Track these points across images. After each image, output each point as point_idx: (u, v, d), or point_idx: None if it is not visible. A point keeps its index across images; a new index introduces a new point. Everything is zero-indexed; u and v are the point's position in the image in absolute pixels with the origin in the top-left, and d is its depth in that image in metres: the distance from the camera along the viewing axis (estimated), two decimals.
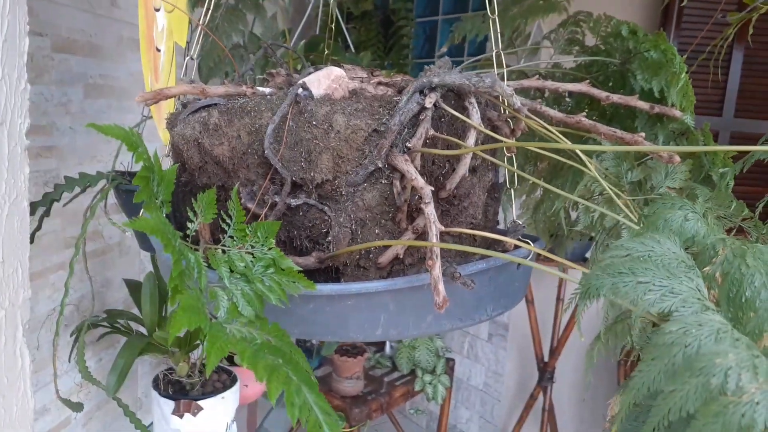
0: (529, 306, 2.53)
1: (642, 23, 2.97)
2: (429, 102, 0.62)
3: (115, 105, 1.64)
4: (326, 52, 0.95)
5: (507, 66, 0.79)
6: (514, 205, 0.81)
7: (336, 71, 0.68)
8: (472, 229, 0.72)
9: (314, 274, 0.65)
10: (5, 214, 0.99)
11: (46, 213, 1.18)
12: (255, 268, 0.50)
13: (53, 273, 1.43)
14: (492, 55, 0.74)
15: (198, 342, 1.43)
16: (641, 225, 0.55)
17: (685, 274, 0.37)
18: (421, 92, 0.63)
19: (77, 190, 1.21)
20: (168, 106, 1.04)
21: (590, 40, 1.05)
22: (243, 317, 0.46)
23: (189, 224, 0.52)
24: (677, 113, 0.80)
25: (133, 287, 1.51)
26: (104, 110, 1.60)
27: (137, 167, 1.39)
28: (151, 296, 1.38)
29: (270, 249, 0.51)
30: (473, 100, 0.65)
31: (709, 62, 1.46)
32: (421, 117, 0.63)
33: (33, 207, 1.20)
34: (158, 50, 1.01)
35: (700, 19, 2.39)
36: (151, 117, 1.22)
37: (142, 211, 0.74)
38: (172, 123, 0.70)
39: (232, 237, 0.52)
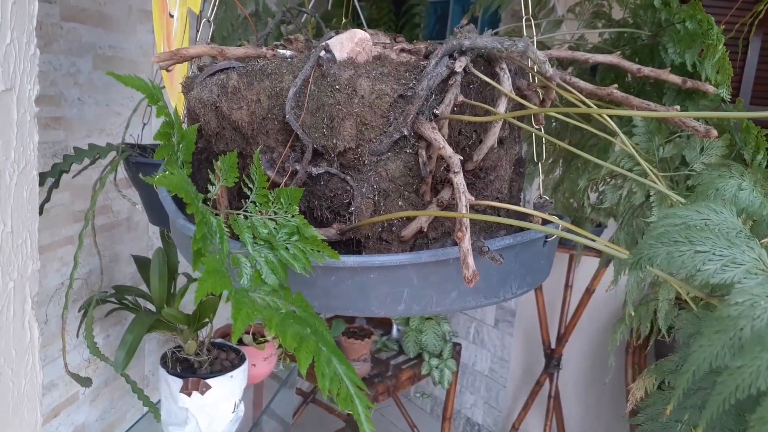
0: (537, 292, 2.51)
1: None
2: (459, 66, 0.59)
3: None
4: (344, 20, 0.92)
5: (528, 36, 0.76)
6: (533, 185, 0.78)
7: (360, 33, 0.65)
8: (497, 203, 0.69)
9: (334, 247, 0.62)
10: (14, 182, 0.96)
11: (55, 184, 1.16)
12: (278, 235, 0.48)
13: (61, 247, 1.41)
14: (522, 24, 0.71)
15: (207, 320, 1.41)
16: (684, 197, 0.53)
17: (746, 244, 0.35)
18: (451, 56, 0.60)
19: (86, 161, 1.19)
20: (181, 73, 1.01)
21: (617, 14, 1.01)
22: (267, 285, 0.43)
23: (210, 187, 0.50)
24: (710, 88, 0.77)
25: (142, 263, 1.49)
26: (113, 82, 1.57)
27: (147, 140, 1.37)
28: (159, 273, 1.36)
29: (293, 216, 0.49)
30: (504, 65, 0.62)
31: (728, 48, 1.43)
32: (450, 82, 0.60)
33: (42, 178, 1.18)
34: (171, 16, 0.98)
35: (719, 3, 2.34)
36: (164, 87, 1.19)
37: (160, 170, 0.71)
38: (188, 86, 0.67)
39: (254, 203, 0.49)
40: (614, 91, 0.70)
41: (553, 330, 2.58)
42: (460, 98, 0.59)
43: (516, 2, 1.17)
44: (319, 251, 0.47)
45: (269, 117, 0.62)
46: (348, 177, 0.62)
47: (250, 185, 0.51)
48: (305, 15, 1.06)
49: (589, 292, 2.42)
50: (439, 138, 0.58)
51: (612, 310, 2.60)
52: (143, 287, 1.51)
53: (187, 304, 1.52)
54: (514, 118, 0.62)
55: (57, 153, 1.37)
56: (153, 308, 1.45)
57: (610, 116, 0.77)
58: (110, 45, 1.55)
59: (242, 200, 0.59)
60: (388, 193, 0.62)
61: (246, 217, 0.49)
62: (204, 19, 0.72)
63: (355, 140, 0.61)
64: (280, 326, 0.36)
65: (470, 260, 0.50)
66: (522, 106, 0.67)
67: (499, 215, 0.72)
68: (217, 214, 0.47)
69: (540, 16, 1.07)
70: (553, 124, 1.01)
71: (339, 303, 0.58)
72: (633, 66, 0.75)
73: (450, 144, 0.64)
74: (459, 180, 0.54)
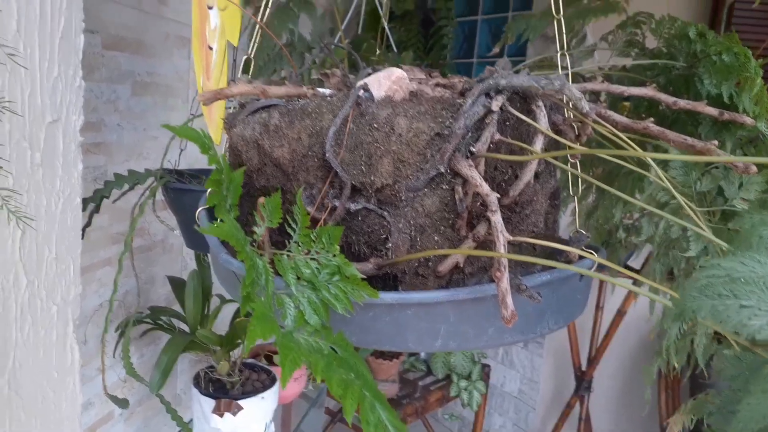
0: None
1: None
2: (496, 105, 0.60)
3: (160, 102, 1.66)
4: (377, 52, 0.94)
5: (563, 68, 0.76)
6: (567, 211, 0.78)
7: (397, 72, 0.67)
8: (533, 237, 0.69)
9: (371, 281, 0.63)
10: (59, 210, 1.00)
11: (96, 209, 1.20)
12: (321, 275, 0.49)
13: (100, 268, 1.45)
14: (556, 57, 0.72)
15: (239, 341, 1.43)
16: (725, 239, 0.52)
17: None
18: (487, 95, 0.61)
19: (126, 187, 1.22)
20: (220, 105, 1.04)
21: (650, 42, 1.01)
22: (310, 326, 0.44)
23: (255, 228, 0.51)
24: (748, 120, 0.76)
25: (177, 284, 1.52)
26: (150, 107, 1.62)
27: (183, 165, 1.40)
28: (194, 294, 1.39)
29: (334, 255, 0.50)
30: (540, 103, 0.63)
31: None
32: (486, 120, 0.61)
33: (84, 204, 1.22)
34: (210, 48, 1.01)
35: (753, 27, 2.31)
36: (201, 115, 1.22)
37: (199, 210, 0.73)
38: (230, 123, 0.69)
39: (297, 243, 0.51)
40: (650, 125, 0.70)
41: (583, 352, 2.54)
42: (497, 136, 0.60)
43: (548, 29, 1.17)
44: (359, 291, 0.48)
45: (309, 154, 0.63)
46: (385, 212, 0.63)
47: (293, 225, 0.52)
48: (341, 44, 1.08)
49: (620, 313, 2.38)
50: (476, 176, 0.59)
51: (644, 332, 2.56)
52: (177, 307, 1.54)
53: (220, 324, 1.55)
54: (549, 169, 0.62)
55: (97, 178, 1.41)
56: (187, 328, 1.48)
57: (646, 149, 0.77)
58: (147, 71, 1.60)
59: (282, 234, 0.60)
60: (424, 229, 0.63)
61: (289, 257, 0.50)
62: (245, 56, 0.74)
63: (392, 177, 0.62)
64: (326, 372, 0.37)
65: (509, 300, 0.50)
66: (558, 142, 0.67)
67: (535, 249, 0.73)
68: (261, 254, 0.48)
69: (572, 44, 1.07)
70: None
71: (376, 338, 0.59)
72: (669, 99, 0.75)
73: (486, 179, 0.65)
74: (497, 219, 0.55)
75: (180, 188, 1.19)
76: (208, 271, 1.47)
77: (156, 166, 1.47)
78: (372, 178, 0.62)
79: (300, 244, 0.51)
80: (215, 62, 1.01)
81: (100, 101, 1.43)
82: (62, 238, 1.01)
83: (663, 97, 0.76)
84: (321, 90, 0.67)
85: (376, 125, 0.62)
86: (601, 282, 2.55)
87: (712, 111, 0.75)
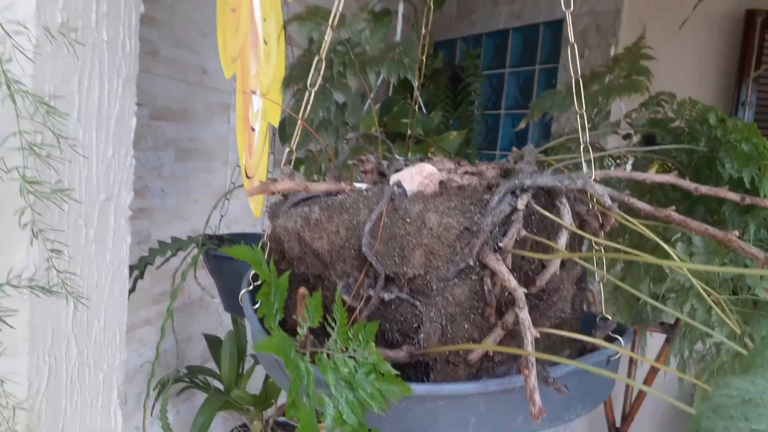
0: None
1: (716, 97, 2.93)
2: (521, 204, 0.64)
3: (202, 167, 1.74)
4: (408, 133, 0.99)
5: (586, 142, 0.80)
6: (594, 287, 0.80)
7: (428, 168, 0.71)
8: (559, 322, 0.72)
9: (403, 367, 0.67)
10: (108, 281, 1.06)
11: (140, 275, 1.26)
12: (358, 374, 0.53)
13: (140, 328, 1.51)
14: (580, 145, 0.76)
15: (272, 401, 1.46)
16: (744, 342, 0.54)
17: None
18: (513, 193, 0.65)
19: (169, 253, 1.29)
20: (259, 197, 1.10)
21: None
22: (348, 425, 0.48)
23: (298, 329, 0.56)
24: None
25: (212, 342, 1.57)
26: (192, 172, 1.70)
27: (224, 230, 1.46)
28: (230, 355, 1.43)
29: (370, 354, 0.54)
30: (564, 199, 0.66)
31: None
32: (512, 217, 0.65)
33: (129, 270, 1.28)
34: (253, 130, 1.08)
35: None
36: (241, 185, 1.28)
37: (242, 293, 0.78)
38: (274, 214, 0.74)
39: (336, 341, 0.55)
40: (671, 213, 0.73)
41: (617, 408, 2.49)
42: (523, 233, 0.63)
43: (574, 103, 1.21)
44: (394, 388, 0.52)
45: (346, 246, 0.68)
46: (417, 302, 0.66)
47: (332, 322, 0.56)
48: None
49: (654, 370, 2.34)
50: (503, 270, 0.62)
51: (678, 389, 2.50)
52: (212, 364, 1.58)
53: (253, 382, 1.58)
54: (574, 251, 0.66)
55: (141, 241, 1.49)
56: (221, 386, 1.52)
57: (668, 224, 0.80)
58: (190, 138, 1.69)
59: (314, 334, 0.64)
60: (454, 317, 0.67)
61: (329, 356, 0.54)
62: (287, 148, 0.80)
63: (424, 268, 0.66)
64: None
65: (536, 397, 0.53)
66: (583, 227, 0.71)
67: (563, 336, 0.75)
68: (303, 353, 0.52)
69: (596, 119, 1.11)
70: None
71: (407, 427, 0.62)
72: (691, 185, 0.78)
73: (514, 268, 0.68)
74: (524, 315, 0.58)
75: (220, 256, 1.25)
76: (244, 330, 1.52)
77: (196, 227, 1.54)
78: (405, 269, 0.66)
79: (338, 341, 0.55)
80: (257, 142, 1.08)
81: (146, 169, 1.51)
82: (110, 308, 1.06)
83: (684, 183, 0.79)
84: (358, 185, 0.72)
85: (408, 220, 0.66)
86: (635, 335, 2.52)
87: (734, 196, 0.78)
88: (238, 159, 1.96)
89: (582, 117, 0.73)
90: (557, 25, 3.48)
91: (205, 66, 1.70)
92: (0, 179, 0.77)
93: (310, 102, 0.78)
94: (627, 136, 1.15)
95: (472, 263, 0.65)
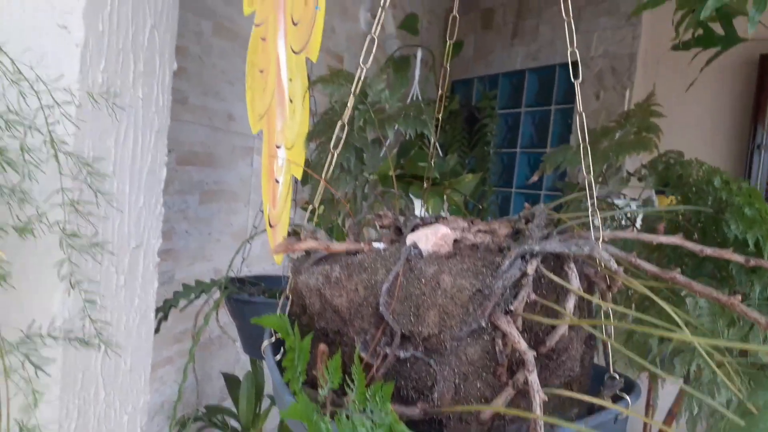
0: None
1: (731, 141, 2.96)
2: (531, 269, 0.67)
3: (225, 208, 1.80)
4: (425, 185, 1.03)
5: (597, 199, 0.83)
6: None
7: (442, 230, 0.75)
8: (568, 380, 0.75)
9: (418, 424, 0.70)
10: (135, 325, 1.10)
11: (164, 317, 1.30)
12: None
13: (162, 367, 1.55)
14: (587, 213, 0.79)
15: None
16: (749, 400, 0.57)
17: None
18: (523, 257, 0.69)
19: (193, 296, 1.33)
20: (282, 229, 1.15)
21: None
22: None
23: (319, 389, 0.59)
24: None
25: (231, 381, 1.60)
26: (216, 213, 1.76)
27: (246, 272, 1.50)
28: (248, 396, 1.46)
29: (387, 414, 0.57)
30: (572, 264, 0.70)
31: None
32: (523, 281, 0.68)
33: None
34: (277, 182, 1.13)
35: None
36: (264, 231, 1.33)
37: (264, 345, 0.82)
38: (297, 270, 0.78)
39: (354, 401, 0.58)
40: (677, 276, 0.75)
41: None
42: (533, 297, 0.67)
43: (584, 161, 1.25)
44: None
45: (365, 304, 0.72)
46: (431, 360, 0.70)
47: (350, 383, 0.60)
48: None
49: (672, 414, 2.32)
50: (514, 332, 0.65)
51: None
52: (229, 402, 1.61)
53: (269, 423, 1.61)
54: (583, 315, 0.69)
55: (165, 282, 1.54)
56: (239, 426, 1.54)
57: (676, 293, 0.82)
58: (215, 180, 1.75)
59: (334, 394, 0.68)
60: (467, 376, 0.70)
61: (348, 417, 0.57)
62: (310, 206, 0.85)
63: (438, 327, 0.69)
64: None
65: None
66: (591, 289, 0.74)
67: (572, 388, 0.78)
68: (324, 413, 0.56)
69: (607, 174, 1.15)
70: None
71: None
72: (696, 247, 0.81)
73: (524, 329, 0.71)
74: (533, 378, 0.61)
75: (241, 299, 1.29)
76: (261, 371, 1.55)
77: (218, 266, 1.58)
78: (420, 328, 0.70)
79: (356, 402, 0.58)
80: (281, 194, 1.13)
81: (172, 211, 1.57)
82: (136, 351, 1.11)
83: (690, 245, 0.82)
84: (376, 245, 0.76)
85: (424, 280, 0.70)
86: (650, 378, 2.50)
87: (739, 258, 0.81)
88: (259, 200, 2.02)
89: (590, 185, 0.77)
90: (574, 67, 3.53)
91: (231, 112, 1.77)
92: (42, 232, 0.82)
93: (333, 163, 0.83)
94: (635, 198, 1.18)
95: (484, 324, 0.68)
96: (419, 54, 2.12)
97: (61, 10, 0.91)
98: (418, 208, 1.89)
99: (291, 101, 1.06)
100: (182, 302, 1.33)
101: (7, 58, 0.72)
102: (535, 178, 1.29)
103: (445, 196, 2.13)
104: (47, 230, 0.82)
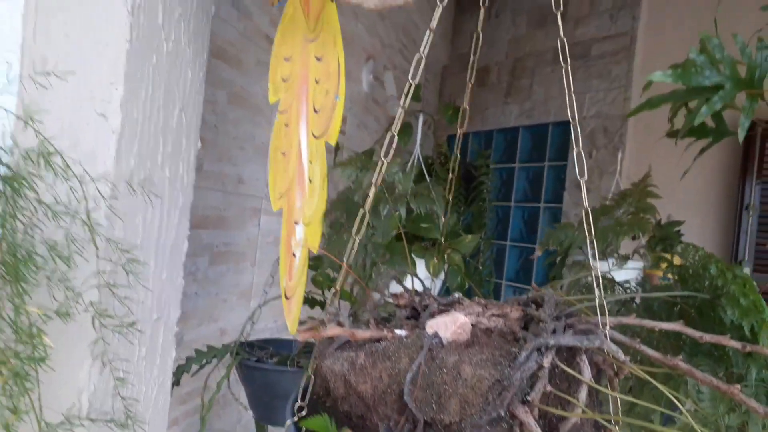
0: None
1: (720, 201, 3.05)
2: (546, 362, 0.72)
3: (233, 268, 1.84)
4: (441, 245, 1.09)
5: (601, 297, 0.89)
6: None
7: (461, 319, 0.80)
8: None
9: None
10: (154, 395, 1.13)
11: (176, 383, 1.33)
12: None
13: (168, 429, 1.56)
14: (595, 303, 0.85)
15: None
16: None
17: None
18: (539, 350, 0.74)
19: (204, 361, 1.36)
20: (297, 304, 1.19)
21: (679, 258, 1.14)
22: None
23: None
24: (767, 350, 0.86)
25: None
26: (224, 274, 1.80)
27: (257, 337, 1.54)
28: None
29: None
30: (584, 356, 0.75)
31: None
32: (539, 373, 0.73)
33: None
34: (294, 255, 1.18)
35: None
36: (277, 298, 1.37)
37: (287, 425, 0.85)
38: (321, 355, 0.83)
39: None
40: (679, 363, 0.81)
41: None
42: (548, 388, 0.71)
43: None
44: None
45: (389, 391, 0.76)
46: None
47: None
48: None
49: None
50: (531, 421, 0.70)
51: None
52: None
53: None
54: (593, 399, 0.73)
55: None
56: None
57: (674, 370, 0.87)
58: (224, 242, 1.80)
59: None
60: None
61: None
62: (334, 290, 0.89)
63: (459, 415, 0.74)
64: None
65: None
66: (602, 380, 0.79)
67: None
68: None
69: (607, 252, 1.21)
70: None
71: None
72: (696, 333, 0.86)
73: (539, 416, 0.76)
74: None
75: (252, 366, 1.32)
76: None
77: (224, 327, 1.61)
78: (442, 416, 0.74)
79: None
80: (297, 267, 1.18)
81: (183, 275, 1.61)
82: (153, 420, 1.13)
83: (689, 331, 0.87)
84: (398, 331, 0.81)
85: (445, 370, 0.74)
86: None
87: (736, 344, 0.86)
88: (265, 259, 2.06)
89: (597, 280, 0.82)
90: (566, 126, 3.66)
91: (241, 175, 1.83)
92: (77, 313, 0.86)
93: (355, 248, 0.88)
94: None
95: (503, 413, 0.73)
96: (421, 118, 2.20)
97: (101, 100, 0.97)
98: (421, 269, 1.94)
99: (310, 181, 1.13)
100: (194, 367, 1.36)
101: (59, 156, 0.78)
102: (538, 253, 1.35)
103: (446, 257, 2.18)
104: (82, 311, 0.86)
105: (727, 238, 3.12)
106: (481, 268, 3.41)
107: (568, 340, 0.73)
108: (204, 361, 1.34)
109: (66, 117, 0.96)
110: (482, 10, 1.07)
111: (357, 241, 0.91)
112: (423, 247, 2.02)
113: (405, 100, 0.91)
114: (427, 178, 2.08)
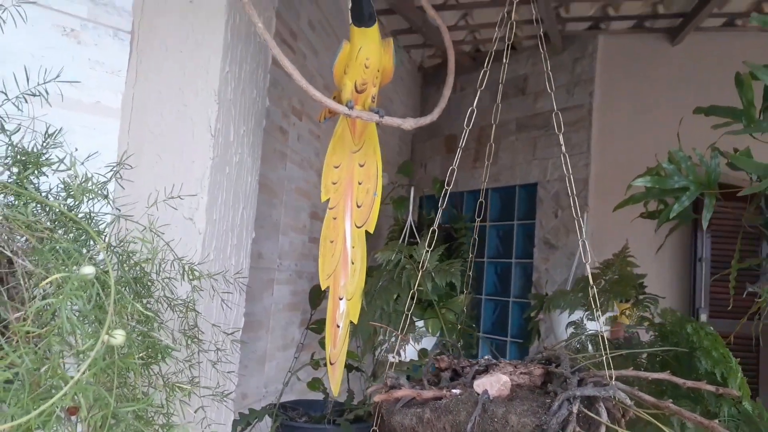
0: None
1: (676, 253, 3.38)
2: (575, 409, 0.94)
3: (251, 336, 2.01)
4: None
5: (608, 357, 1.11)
6: None
7: (503, 378, 1.02)
8: None
9: None
10: None
11: None
12: None
13: None
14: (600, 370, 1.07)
15: None
16: None
17: None
18: (568, 400, 0.96)
19: (246, 423, 1.52)
20: (340, 367, 1.38)
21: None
22: None
23: None
24: (735, 393, 1.10)
25: None
26: (243, 347, 1.97)
27: (263, 392, 1.70)
28: None
29: None
30: (601, 403, 0.97)
31: None
32: (569, 418, 0.94)
33: None
34: (338, 326, 1.37)
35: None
36: (304, 365, 1.55)
37: None
38: (390, 412, 1.02)
39: None
40: (670, 405, 1.03)
41: None
42: (577, 429, 0.93)
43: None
44: None
45: None
46: None
47: None
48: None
49: None
50: None
51: None
52: None
53: None
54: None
55: None
56: None
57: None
58: (246, 313, 1.96)
59: None
60: None
61: None
62: (391, 360, 1.10)
63: None
64: None
65: None
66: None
67: None
68: None
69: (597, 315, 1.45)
70: None
71: None
72: (680, 380, 1.10)
73: None
74: None
75: (293, 426, 1.49)
76: None
77: (245, 392, 1.77)
78: None
79: None
80: (340, 336, 1.37)
81: None
82: None
83: (675, 379, 1.11)
84: (454, 391, 1.02)
85: (496, 419, 0.95)
86: None
87: (710, 388, 1.10)
88: (277, 326, 2.23)
89: (604, 341, 1.05)
90: (532, 188, 3.99)
91: (261, 251, 2.02)
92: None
93: (407, 326, 1.09)
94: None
95: None
96: (412, 191, 2.46)
97: (188, 207, 1.17)
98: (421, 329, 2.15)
99: (353, 263, 1.34)
100: (238, 429, 1.51)
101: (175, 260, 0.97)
102: (541, 316, 1.57)
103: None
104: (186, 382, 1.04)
105: (683, 285, 3.44)
106: (465, 322, 3.65)
107: (590, 391, 0.95)
108: (247, 422, 1.50)
109: (160, 221, 1.15)
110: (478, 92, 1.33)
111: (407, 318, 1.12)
112: (422, 307, 2.23)
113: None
114: (418, 239, 2.32)
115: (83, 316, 0.60)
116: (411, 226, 2.50)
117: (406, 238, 2.38)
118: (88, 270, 0.53)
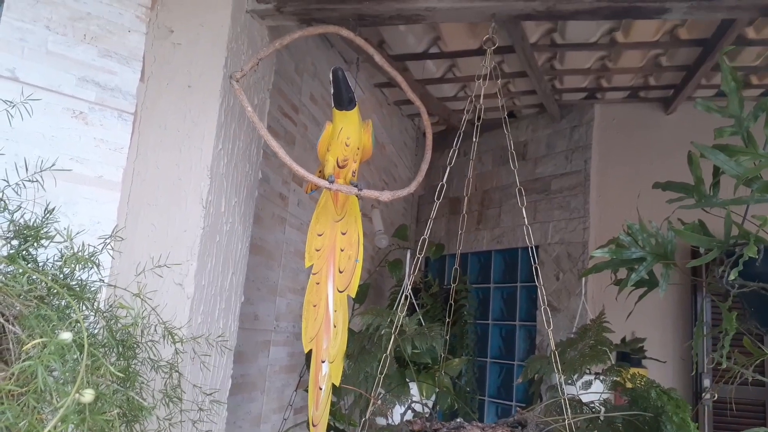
0: None
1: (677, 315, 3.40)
2: None
3: (246, 397, 2.05)
4: (432, 369, 1.34)
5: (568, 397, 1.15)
6: None
7: None
8: None
9: None
10: None
11: None
12: None
13: None
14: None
15: None
16: None
17: None
18: None
19: None
20: (322, 428, 1.42)
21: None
22: None
23: None
24: None
25: None
26: (239, 404, 2.01)
27: None
28: None
29: None
30: None
31: None
32: None
33: None
34: (320, 389, 1.43)
35: None
36: (294, 425, 1.59)
37: None
38: None
39: None
40: None
41: None
42: None
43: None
44: None
45: None
46: None
47: None
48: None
49: None
50: None
51: None
52: None
53: None
54: None
55: None
56: None
57: None
58: (240, 374, 2.02)
59: None
60: None
61: None
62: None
63: None
64: None
65: None
66: None
67: None
68: None
69: (574, 381, 1.49)
70: None
71: None
72: None
73: None
74: None
75: None
76: None
77: None
78: None
79: None
80: (322, 399, 1.42)
81: None
82: None
83: None
84: None
85: None
86: None
87: None
88: (272, 387, 2.27)
89: (565, 403, 1.10)
90: (536, 250, 4.05)
91: (256, 312, 2.09)
92: None
93: (380, 384, 1.15)
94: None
95: None
96: (408, 254, 2.53)
97: (179, 273, 1.26)
98: (414, 392, 2.17)
99: (335, 326, 1.41)
100: None
101: (163, 326, 1.05)
102: (519, 380, 1.61)
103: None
104: None
105: (686, 349, 3.42)
106: (465, 386, 3.64)
107: None
108: None
109: (148, 287, 1.24)
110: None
111: (381, 379, 1.18)
112: (416, 370, 2.27)
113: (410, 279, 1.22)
114: (417, 309, 2.38)
115: (63, 375, 0.68)
116: (411, 296, 2.56)
117: (408, 301, 2.45)
118: (66, 335, 0.61)
